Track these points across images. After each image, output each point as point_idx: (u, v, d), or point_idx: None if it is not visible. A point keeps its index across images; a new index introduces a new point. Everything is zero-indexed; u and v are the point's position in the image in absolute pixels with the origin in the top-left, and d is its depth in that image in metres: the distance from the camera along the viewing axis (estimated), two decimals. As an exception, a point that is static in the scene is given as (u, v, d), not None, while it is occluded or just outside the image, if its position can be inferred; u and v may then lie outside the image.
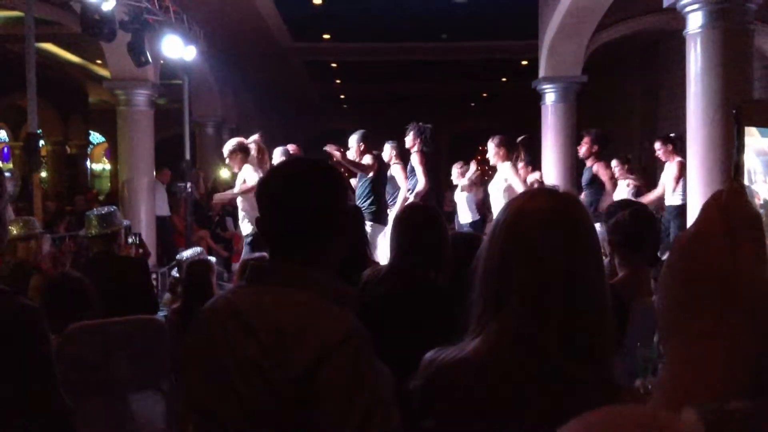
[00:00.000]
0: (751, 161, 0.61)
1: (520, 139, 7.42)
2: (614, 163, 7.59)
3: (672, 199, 7.23)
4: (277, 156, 6.40)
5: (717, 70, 5.52)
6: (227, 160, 6.45)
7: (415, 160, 6.89)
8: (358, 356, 1.43)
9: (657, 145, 7.46)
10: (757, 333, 0.57)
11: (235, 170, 6.44)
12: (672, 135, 7.73)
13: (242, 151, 6.35)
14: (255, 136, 6.61)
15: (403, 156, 6.98)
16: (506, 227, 1.31)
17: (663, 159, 7.41)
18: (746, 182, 0.60)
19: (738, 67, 5.54)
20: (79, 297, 3.35)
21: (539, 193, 1.35)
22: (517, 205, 1.32)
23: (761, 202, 0.63)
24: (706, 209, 0.60)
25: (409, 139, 6.94)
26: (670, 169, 7.28)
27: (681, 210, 6.90)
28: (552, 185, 1.42)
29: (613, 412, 0.43)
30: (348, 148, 6.70)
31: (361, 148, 6.64)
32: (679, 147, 7.21)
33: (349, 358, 1.41)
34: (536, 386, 1.23)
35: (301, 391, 1.38)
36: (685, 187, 6.38)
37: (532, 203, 1.32)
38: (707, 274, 0.58)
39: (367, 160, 6.56)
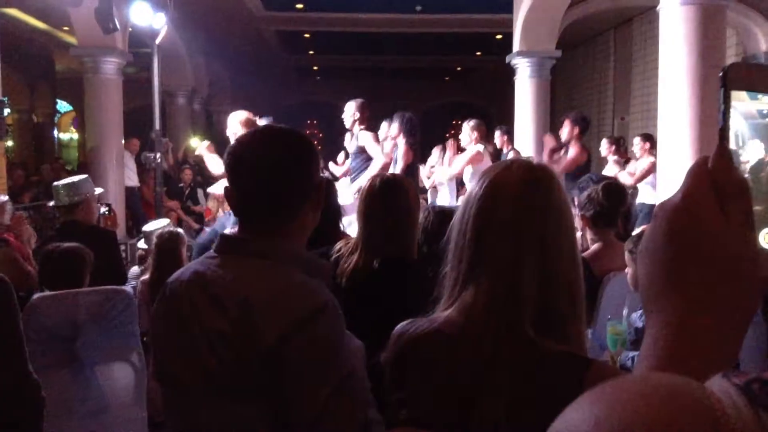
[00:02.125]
0: (739, 125, 0.60)
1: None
2: (604, 142, 7.86)
3: (641, 196, 7.37)
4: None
5: (690, 47, 5.55)
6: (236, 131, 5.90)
7: (401, 150, 6.75)
8: (328, 329, 1.42)
9: (637, 139, 7.65)
10: (747, 300, 0.57)
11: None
12: (651, 134, 7.86)
13: (249, 126, 6.01)
14: (264, 119, 6.31)
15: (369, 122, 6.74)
16: (479, 199, 1.29)
17: (638, 155, 7.56)
18: (733, 147, 0.59)
19: (710, 44, 5.57)
20: (73, 269, 3.34)
21: (513, 165, 1.34)
22: (491, 176, 1.31)
23: (749, 167, 0.62)
24: (693, 175, 0.59)
25: (394, 128, 6.81)
26: (645, 168, 7.37)
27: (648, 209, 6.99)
28: (526, 157, 1.41)
29: (624, 384, 0.41)
30: (332, 120, 6.47)
31: (356, 117, 6.41)
32: (654, 146, 7.35)
33: (320, 331, 1.40)
34: (508, 358, 1.23)
35: (270, 363, 1.36)
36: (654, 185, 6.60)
37: (505, 175, 1.30)
38: (695, 241, 0.57)
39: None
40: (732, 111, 0.58)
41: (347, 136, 6.74)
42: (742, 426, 0.35)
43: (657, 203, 0.61)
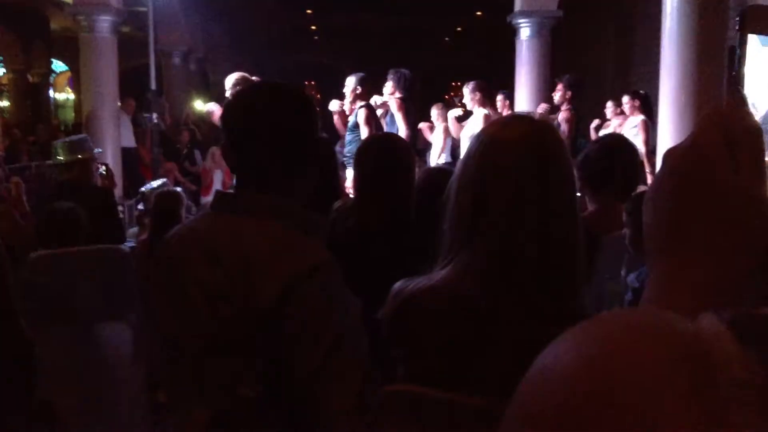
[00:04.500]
0: (750, 72, 0.58)
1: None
2: (609, 104, 7.68)
3: None
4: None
5: (693, 7, 5.47)
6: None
7: (393, 106, 6.66)
8: (327, 286, 1.41)
9: (625, 98, 7.48)
10: (752, 249, 0.55)
11: None
12: (642, 91, 7.70)
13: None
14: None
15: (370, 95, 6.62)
16: (479, 155, 1.28)
17: (627, 113, 7.40)
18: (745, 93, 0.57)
19: (713, 6, 5.50)
20: (72, 227, 3.33)
21: (513, 120, 1.32)
22: (491, 132, 1.29)
23: (762, 114, 0.60)
24: (704, 120, 0.57)
25: (389, 86, 6.72)
26: (632, 126, 7.21)
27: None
28: (526, 112, 1.39)
29: (610, 319, 0.41)
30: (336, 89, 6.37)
31: (357, 92, 6.29)
32: (646, 105, 7.20)
33: (318, 288, 1.39)
34: (505, 316, 1.23)
35: (268, 320, 1.36)
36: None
37: (505, 131, 1.29)
38: (703, 187, 0.55)
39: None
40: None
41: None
42: (726, 359, 0.35)
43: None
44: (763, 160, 0.55)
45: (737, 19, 0.57)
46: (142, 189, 5.81)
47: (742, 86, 0.56)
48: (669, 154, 0.58)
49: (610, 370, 0.35)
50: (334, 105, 6.54)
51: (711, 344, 0.36)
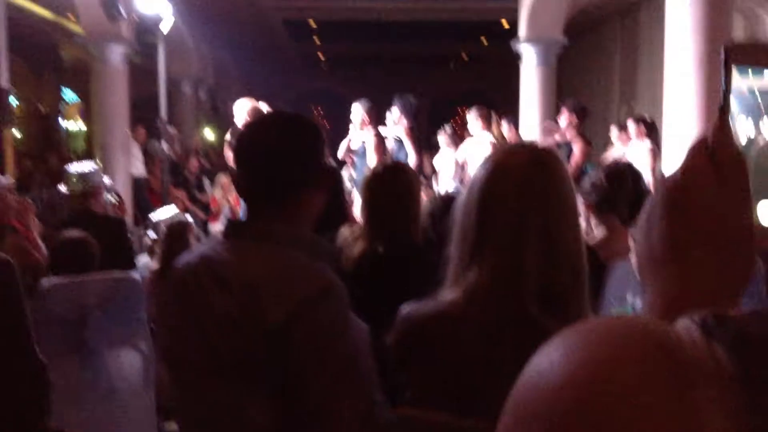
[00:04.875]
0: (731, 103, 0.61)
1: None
2: (613, 129, 7.80)
3: None
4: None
5: (696, 32, 5.52)
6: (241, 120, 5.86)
7: (403, 134, 6.75)
8: (334, 312, 1.43)
9: (630, 123, 7.53)
10: (742, 271, 0.58)
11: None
12: (647, 117, 7.74)
13: (254, 115, 5.98)
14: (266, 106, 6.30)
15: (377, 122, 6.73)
16: (485, 181, 1.30)
17: (633, 139, 7.44)
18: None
19: (717, 29, 5.54)
20: (85, 256, 3.37)
21: (518, 147, 1.35)
22: (496, 159, 1.32)
23: (743, 142, 0.63)
24: (693, 151, 0.60)
25: (395, 113, 6.81)
26: (640, 152, 7.24)
27: None
28: (530, 141, 1.42)
29: (602, 321, 0.44)
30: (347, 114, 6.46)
31: (365, 119, 6.38)
32: (652, 130, 7.25)
33: (325, 314, 1.41)
34: (511, 338, 1.24)
35: (275, 345, 1.38)
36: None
37: (510, 158, 1.31)
38: (693, 213, 0.59)
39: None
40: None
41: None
42: (695, 354, 0.38)
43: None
44: (747, 185, 0.58)
45: (722, 51, 0.60)
46: (150, 216, 5.84)
47: (728, 115, 0.59)
48: (660, 182, 0.61)
49: (591, 375, 0.38)
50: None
51: (683, 342, 0.39)
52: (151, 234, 5.69)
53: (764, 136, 0.63)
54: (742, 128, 0.62)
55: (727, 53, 0.60)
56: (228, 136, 5.99)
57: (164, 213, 5.75)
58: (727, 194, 0.58)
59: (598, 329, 0.42)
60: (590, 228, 3.34)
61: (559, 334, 0.43)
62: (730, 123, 0.59)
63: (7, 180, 4.57)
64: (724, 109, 0.60)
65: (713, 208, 0.58)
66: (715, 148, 0.59)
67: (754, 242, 0.59)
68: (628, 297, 2.67)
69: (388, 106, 7.02)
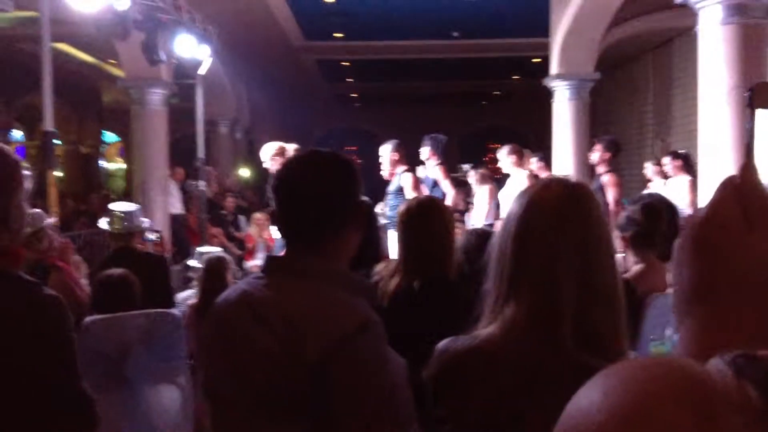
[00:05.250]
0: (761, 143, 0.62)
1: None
2: (649, 165, 7.81)
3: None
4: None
5: (730, 67, 5.49)
6: (268, 162, 6.08)
7: (438, 173, 6.86)
8: (372, 347, 1.45)
9: (666, 159, 7.52)
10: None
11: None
12: (682, 151, 7.71)
13: (282, 155, 6.19)
14: (294, 146, 6.46)
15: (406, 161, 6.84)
16: (519, 217, 1.32)
17: (671, 174, 7.41)
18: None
19: (751, 64, 5.51)
20: (127, 294, 3.45)
21: (552, 182, 1.37)
22: (530, 194, 1.34)
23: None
24: (720, 192, 0.61)
25: (426, 152, 6.91)
26: (680, 187, 7.20)
27: None
28: (564, 175, 1.44)
29: (639, 363, 0.47)
30: (377, 154, 6.58)
31: (395, 158, 6.50)
32: (689, 164, 7.22)
33: (363, 349, 1.43)
34: (549, 375, 1.25)
35: (315, 380, 1.40)
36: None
37: (544, 193, 1.33)
38: (720, 253, 0.59)
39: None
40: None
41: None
42: (727, 392, 0.41)
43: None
44: None
45: (747, 95, 0.62)
46: (198, 254, 5.95)
47: (753, 157, 0.61)
48: (688, 222, 0.62)
49: (631, 415, 0.41)
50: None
51: (713, 380, 0.42)
52: (196, 264, 5.75)
53: None
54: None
55: (752, 95, 0.62)
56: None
57: (208, 251, 5.85)
58: (755, 235, 0.59)
59: (636, 370, 0.45)
60: (627, 263, 3.32)
61: (599, 375, 0.46)
62: (756, 163, 0.61)
63: (51, 220, 4.70)
64: (749, 149, 0.61)
65: (740, 247, 0.59)
66: (742, 189, 0.60)
67: None
68: (667, 332, 2.64)
69: (419, 143, 7.12)
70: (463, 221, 8.10)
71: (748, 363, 0.42)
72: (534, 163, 8.28)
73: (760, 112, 0.62)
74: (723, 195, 0.61)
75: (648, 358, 0.49)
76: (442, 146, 6.90)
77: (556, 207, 1.30)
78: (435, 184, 6.89)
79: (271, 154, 5.80)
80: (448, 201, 6.56)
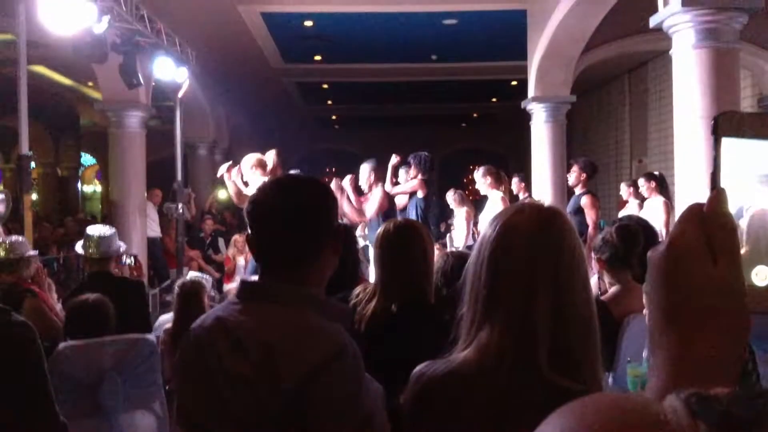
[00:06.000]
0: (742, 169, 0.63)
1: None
2: (623, 186, 8.04)
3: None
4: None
5: (704, 90, 5.58)
6: (248, 174, 6.15)
7: (417, 186, 6.92)
8: (348, 373, 1.44)
9: (641, 180, 7.64)
10: (736, 334, 0.61)
11: (248, 187, 6.15)
12: (657, 173, 7.84)
13: (261, 166, 6.27)
14: (272, 152, 6.56)
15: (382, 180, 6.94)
16: (493, 241, 1.33)
17: (646, 195, 7.52)
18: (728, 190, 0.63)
19: (724, 87, 5.60)
20: (101, 319, 3.41)
21: (525, 207, 1.38)
22: (504, 219, 1.35)
23: (754, 211, 0.64)
24: (684, 220, 0.63)
25: (411, 171, 6.99)
26: (655, 208, 7.30)
27: None
28: (538, 200, 1.45)
29: (589, 399, 0.47)
30: (350, 173, 6.68)
31: (372, 179, 6.63)
32: (664, 185, 7.35)
33: (340, 375, 1.42)
34: (524, 399, 1.25)
35: (292, 406, 1.39)
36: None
37: (518, 217, 1.34)
38: (684, 282, 0.61)
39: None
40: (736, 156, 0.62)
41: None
42: (680, 429, 0.42)
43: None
44: (738, 254, 0.60)
45: (712, 124, 0.63)
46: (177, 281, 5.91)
47: (719, 184, 0.62)
48: (654, 251, 0.63)
49: None
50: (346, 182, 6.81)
51: (669, 421, 0.43)
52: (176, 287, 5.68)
53: (757, 202, 0.65)
54: (738, 194, 0.64)
55: (715, 124, 0.63)
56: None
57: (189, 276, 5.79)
58: (717, 261, 0.60)
59: (595, 409, 0.46)
60: (603, 284, 3.34)
61: (556, 413, 0.47)
62: (722, 191, 0.62)
63: (34, 252, 4.64)
64: (714, 177, 0.62)
65: (704, 278, 0.60)
66: (707, 219, 0.61)
67: (746, 306, 0.61)
68: (644, 353, 2.65)
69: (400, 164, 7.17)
70: (443, 244, 8.13)
71: (701, 402, 0.43)
72: (515, 184, 8.36)
73: (725, 141, 0.63)
74: (687, 225, 0.62)
75: (606, 397, 0.49)
76: (427, 163, 6.96)
77: (529, 231, 1.31)
78: (414, 203, 6.95)
79: (250, 165, 5.89)
80: (423, 209, 6.69)
